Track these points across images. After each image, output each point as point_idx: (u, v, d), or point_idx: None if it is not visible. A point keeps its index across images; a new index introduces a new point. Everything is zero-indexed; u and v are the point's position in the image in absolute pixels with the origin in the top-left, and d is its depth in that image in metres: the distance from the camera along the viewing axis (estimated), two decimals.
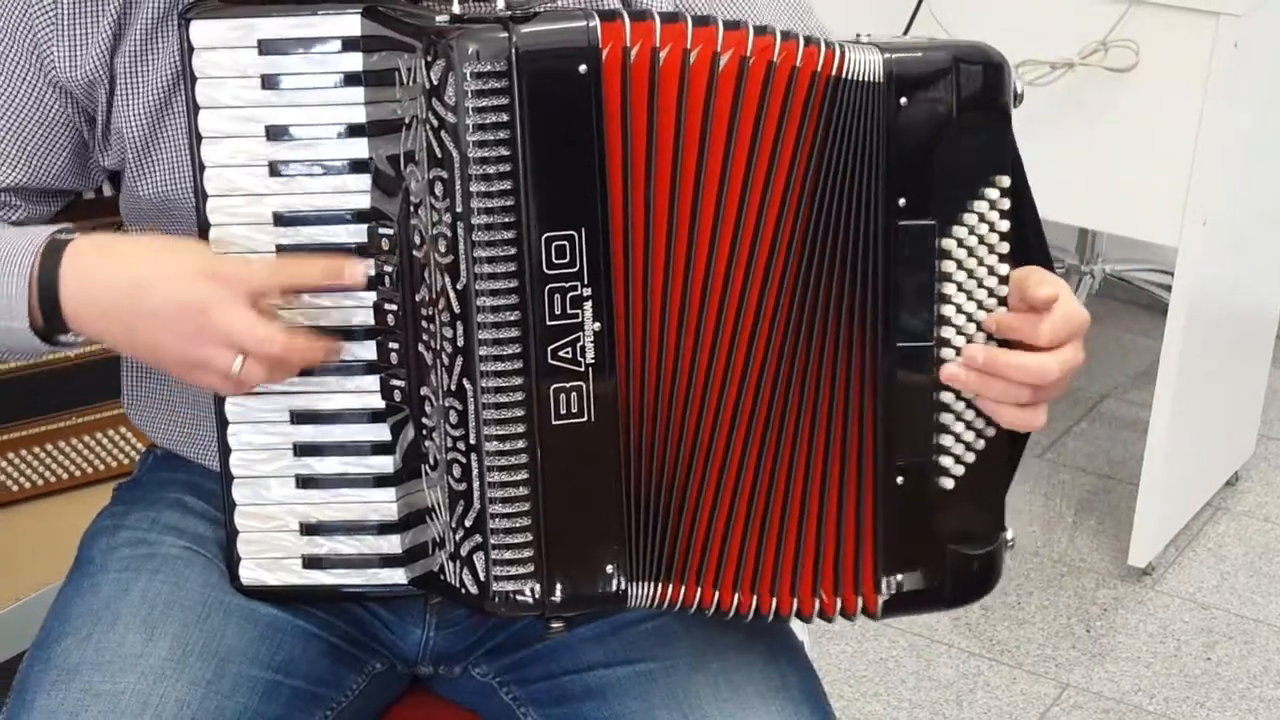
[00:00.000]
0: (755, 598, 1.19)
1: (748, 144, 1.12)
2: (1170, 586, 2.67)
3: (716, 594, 1.18)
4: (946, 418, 1.17)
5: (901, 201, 1.14)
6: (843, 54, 1.12)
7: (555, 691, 1.27)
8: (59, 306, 1.16)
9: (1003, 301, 1.16)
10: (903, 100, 1.13)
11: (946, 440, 1.18)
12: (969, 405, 1.17)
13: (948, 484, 1.18)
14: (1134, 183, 2.52)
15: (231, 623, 1.23)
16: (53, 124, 1.25)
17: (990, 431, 1.19)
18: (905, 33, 2.56)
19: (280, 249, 1.16)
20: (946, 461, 1.18)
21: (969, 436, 1.18)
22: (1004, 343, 1.17)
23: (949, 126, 1.14)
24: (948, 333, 1.16)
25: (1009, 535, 1.22)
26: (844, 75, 1.12)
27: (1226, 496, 2.91)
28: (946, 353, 1.16)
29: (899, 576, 1.19)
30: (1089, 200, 2.59)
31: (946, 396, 1.17)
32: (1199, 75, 2.40)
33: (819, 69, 1.12)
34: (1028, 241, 1.19)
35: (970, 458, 1.18)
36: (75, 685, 1.18)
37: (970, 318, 1.16)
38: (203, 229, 1.17)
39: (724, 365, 1.15)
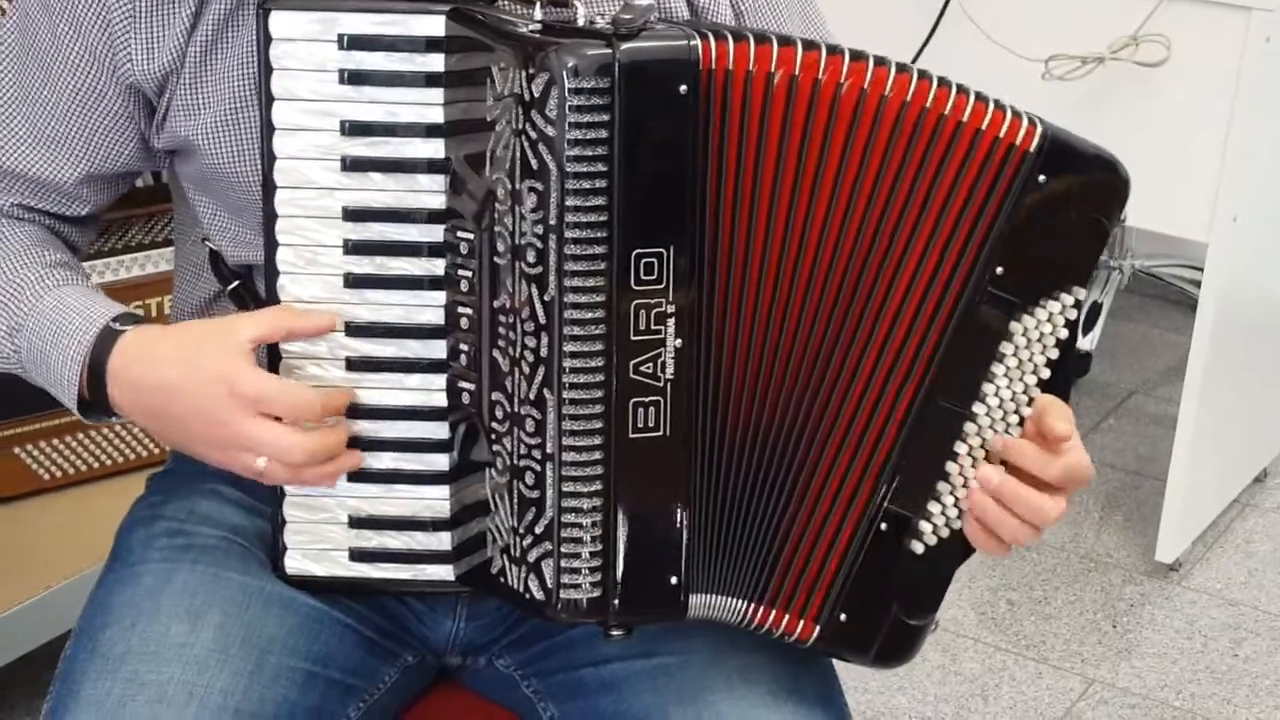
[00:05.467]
0: (765, 611, 1.21)
1: (870, 185, 1.13)
2: (1197, 583, 2.66)
3: (757, 609, 1.20)
4: (943, 487, 1.19)
5: (999, 271, 1.15)
6: (1016, 119, 1.14)
7: (573, 684, 1.28)
8: (107, 396, 1.19)
9: (1030, 402, 1.17)
10: (1042, 178, 1.14)
11: (934, 507, 1.19)
12: (965, 483, 1.18)
13: (918, 548, 1.20)
14: (1164, 178, 2.51)
15: (271, 613, 1.23)
16: (117, 116, 1.25)
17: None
18: (934, 28, 2.56)
19: (348, 244, 1.17)
20: (925, 527, 1.19)
21: (953, 512, 1.19)
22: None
23: (1066, 219, 1.15)
24: (978, 408, 1.17)
25: (937, 619, 1.24)
26: (1012, 140, 1.14)
27: (1255, 493, 2.90)
28: (969, 427, 1.17)
29: (842, 617, 1.20)
30: None
31: (951, 467, 1.18)
32: (1230, 70, 2.39)
33: (986, 128, 1.13)
34: (1066, 364, 1.19)
35: (945, 532, 1.19)
36: (121, 675, 1.18)
37: (1002, 403, 1.17)
38: (269, 220, 1.17)
39: (790, 392, 1.17)
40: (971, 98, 1.14)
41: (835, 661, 1.33)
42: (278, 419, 1.14)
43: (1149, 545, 2.68)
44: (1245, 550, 2.75)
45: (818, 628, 1.21)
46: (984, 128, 1.14)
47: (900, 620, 1.21)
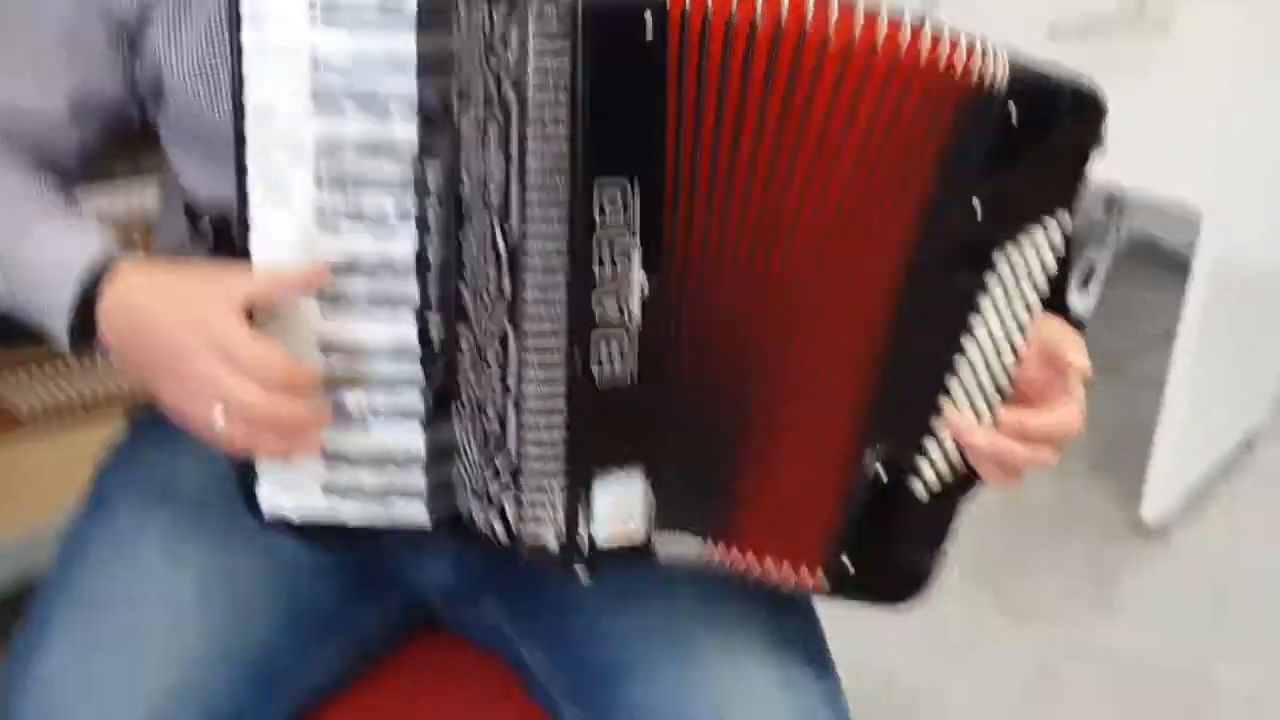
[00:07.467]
0: (747, 556, 1.20)
1: (839, 126, 1.11)
2: (1181, 545, 2.67)
3: (734, 553, 1.20)
4: (939, 424, 1.17)
5: (977, 207, 1.14)
6: (982, 54, 1.11)
7: (559, 633, 1.27)
8: (95, 321, 1.18)
9: (1024, 333, 1.16)
10: (1013, 112, 1.12)
11: (932, 446, 1.18)
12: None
13: (920, 488, 1.19)
14: (1163, 142, 2.50)
15: (251, 555, 1.23)
16: (101, 49, 1.24)
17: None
18: None
19: (320, 178, 1.16)
20: (925, 466, 1.18)
21: (951, 447, 1.18)
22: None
23: (1043, 150, 1.14)
24: (969, 345, 1.16)
25: (948, 550, 1.23)
26: (980, 76, 1.11)
27: (1240, 456, 2.91)
28: (961, 363, 1.16)
29: (848, 563, 1.20)
30: (1118, 159, 2.56)
31: (947, 404, 1.17)
32: (1233, 35, 2.38)
33: (957, 66, 1.11)
34: (1060, 291, 1.18)
35: (946, 470, 1.19)
36: (97, 616, 1.18)
37: (992, 337, 1.16)
38: (240, 149, 1.15)
39: (759, 332, 1.16)
40: (946, 36, 1.11)
41: (820, 614, 1.33)
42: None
43: (1135, 506, 2.68)
44: (1229, 513, 2.75)
45: (827, 578, 1.20)
46: (956, 66, 1.11)
47: (910, 559, 1.21)
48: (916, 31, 1.11)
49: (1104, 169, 2.96)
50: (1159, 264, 3.54)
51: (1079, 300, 3.25)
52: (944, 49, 1.11)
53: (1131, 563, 2.62)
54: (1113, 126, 2.65)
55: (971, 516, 2.85)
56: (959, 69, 1.11)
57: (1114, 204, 3.45)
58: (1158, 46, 2.44)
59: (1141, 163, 2.56)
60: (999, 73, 1.11)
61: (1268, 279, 2.78)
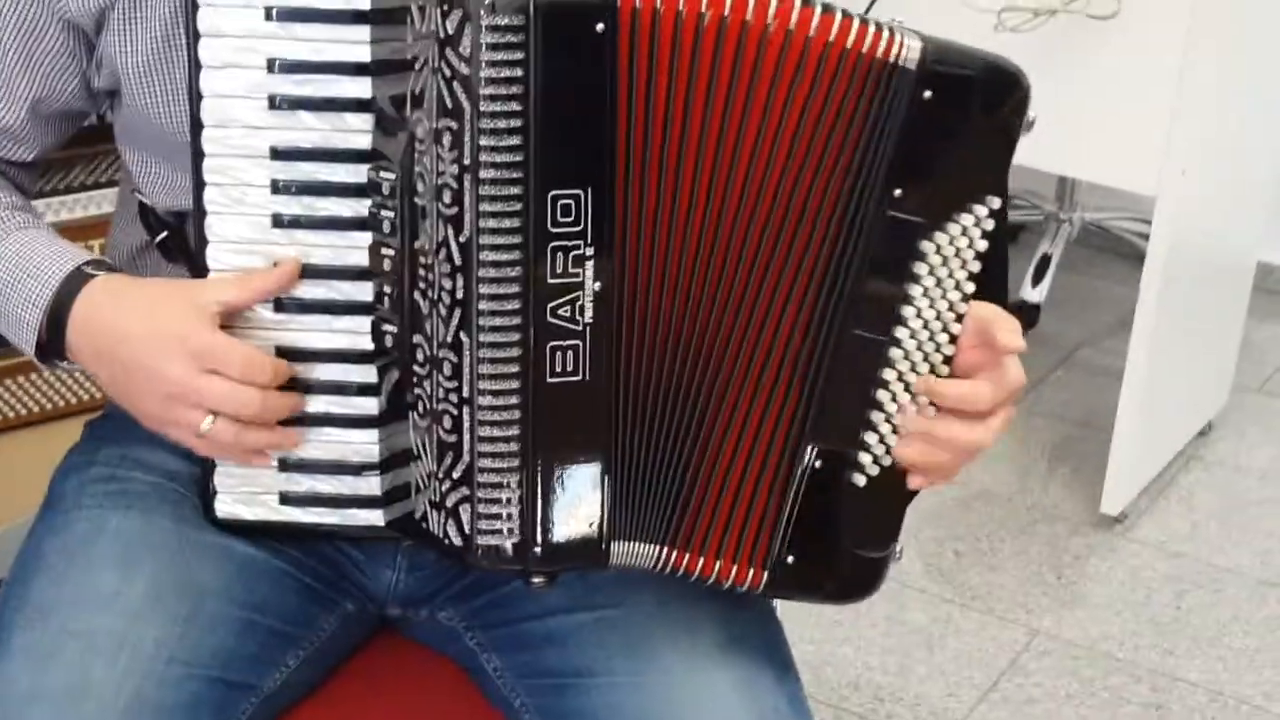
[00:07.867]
0: (693, 557, 1.20)
1: (778, 119, 1.12)
2: (1141, 535, 2.68)
3: (681, 555, 1.19)
4: (876, 416, 1.18)
5: (897, 193, 1.14)
6: (890, 36, 1.11)
7: (517, 637, 1.27)
8: (64, 336, 1.18)
9: (959, 318, 1.16)
10: (927, 94, 1.12)
11: (870, 438, 1.18)
12: (900, 409, 1.17)
13: (860, 480, 1.19)
14: (1114, 131, 2.51)
15: (207, 560, 1.22)
16: (58, 53, 1.24)
17: None
18: None
19: (276, 184, 1.15)
20: (865, 458, 1.18)
21: (893, 440, 1.18)
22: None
23: (962, 132, 1.14)
24: (901, 333, 1.16)
25: (899, 548, 1.22)
26: (887, 58, 1.12)
27: (1199, 446, 2.92)
28: (894, 352, 1.16)
29: (790, 559, 1.20)
30: (1069, 148, 2.58)
31: (883, 395, 1.17)
32: (1181, 23, 2.39)
33: (865, 50, 1.11)
34: (997, 277, 1.18)
35: (887, 461, 1.19)
36: (51, 625, 1.17)
37: (926, 324, 1.16)
38: (197, 159, 1.16)
39: (703, 332, 1.16)
40: (855, 22, 1.12)
41: (780, 610, 1.33)
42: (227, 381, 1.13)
43: (1094, 497, 2.69)
44: (1188, 503, 2.77)
45: (766, 573, 1.20)
46: (864, 50, 1.12)
47: (854, 555, 1.20)
48: (829, 14, 1.11)
49: (1056, 159, 2.99)
50: (1113, 253, 3.56)
51: (1034, 295, 3.26)
52: (857, 31, 1.11)
53: (1093, 553, 2.63)
54: (1064, 116, 2.67)
55: (932, 511, 2.86)
56: (871, 49, 1.11)
57: (1066, 194, 3.46)
58: (1105, 36, 2.45)
59: (1092, 153, 2.57)
60: (911, 53, 1.12)
61: (1221, 265, 2.80)
